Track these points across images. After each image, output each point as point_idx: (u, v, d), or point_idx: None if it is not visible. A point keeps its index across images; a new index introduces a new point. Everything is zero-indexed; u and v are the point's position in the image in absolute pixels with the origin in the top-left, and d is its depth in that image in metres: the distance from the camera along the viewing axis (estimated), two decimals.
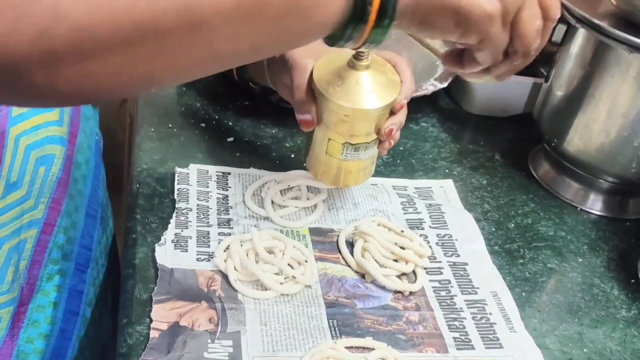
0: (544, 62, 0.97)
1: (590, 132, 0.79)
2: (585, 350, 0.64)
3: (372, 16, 0.42)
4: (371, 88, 0.62)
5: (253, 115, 0.87)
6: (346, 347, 0.59)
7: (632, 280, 0.73)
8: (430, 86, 0.90)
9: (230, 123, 0.86)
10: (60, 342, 0.64)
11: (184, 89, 0.91)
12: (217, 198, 0.73)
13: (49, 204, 0.61)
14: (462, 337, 0.62)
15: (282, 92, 0.71)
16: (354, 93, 0.62)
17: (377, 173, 0.82)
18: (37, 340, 0.61)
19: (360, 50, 0.57)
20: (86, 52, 0.33)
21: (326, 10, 0.41)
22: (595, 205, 0.83)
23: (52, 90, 0.34)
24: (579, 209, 0.83)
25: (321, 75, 0.63)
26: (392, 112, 0.64)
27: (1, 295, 0.58)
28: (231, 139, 0.83)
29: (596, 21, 0.75)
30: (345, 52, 0.61)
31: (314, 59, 0.63)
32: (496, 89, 0.96)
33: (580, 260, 0.75)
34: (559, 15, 0.51)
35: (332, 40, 0.45)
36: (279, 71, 0.67)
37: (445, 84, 0.92)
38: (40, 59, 0.32)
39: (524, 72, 0.96)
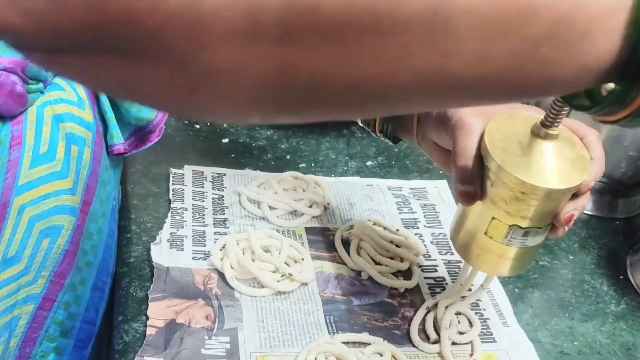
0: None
1: None
2: (575, 343, 0.65)
3: None
4: (559, 163, 0.50)
5: None
6: (343, 342, 0.59)
7: (621, 277, 0.75)
8: None
9: (224, 125, 0.86)
10: None
11: None
12: (213, 198, 0.74)
13: (51, 278, 0.56)
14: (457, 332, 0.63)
15: (433, 153, 0.60)
16: (537, 167, 0.49)
17: (372, 174, 0.83)
18: None
19: (552, 115, 0.48)
20: (296, 33, 0.25)
21: (598, 48, 0.27)
22: (586, 205, 0.85)
23: (238, 76, 0.26)
24: None
25: (495, 140, 0.51)
26: (575, 194, 0.52)
27: None
28: (226, 140, 0.84)
29: None
30: (523, 116, 0.52)
31: (482, 120, 0.52)
32: None
33: (571, 257, 0.77)
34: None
35: (590, 100, 0.31)
36: (434, 128, 0.57)
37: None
38: (236, 28, 0.25)
39: None
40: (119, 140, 0.62)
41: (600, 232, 0.82)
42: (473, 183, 0.52)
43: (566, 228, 0.53)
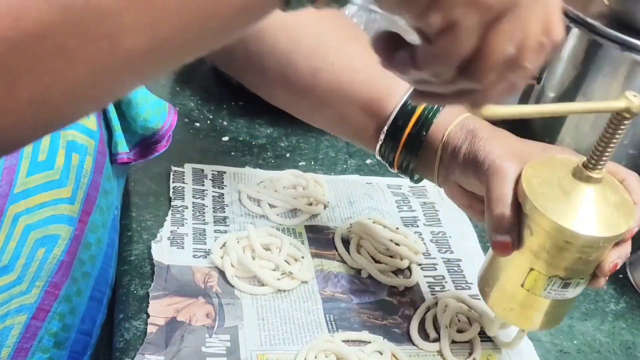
0: None
1: (581, 132, 0.81)
2: (575, 342, 0.66)
3: None
4: (604, 209, 0.47)
5: (248, 115, 0.88)
6: (343, 341, 0.59)
7: (620, 276, 0.75)
8: None
9: (224, 123, 0.86)
10: None
11: (177, 88, 0.91)
12: (213, 196, 0.74)
13: (46, 288, 0.55)
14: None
15: (456, 196, 0.57)
16: (582, 213, 0.46)
17: (372, 172, 0.83)
18: None
19: (596, 155, 0.46)
20: None
21: None
22: None
23: None
24: None
25: (534, 185, 0.47)
26: (619, 241, 0.49)
27: None
28: (226, 138, 0.84)
29: (590, 20, 0.76)
30: (560, 159, 0.49)
31: (517, 165, 0.49)
32: None
33: None
34: (559, 39, 0.37)
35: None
36: (461, 171, 0.54)
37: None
38: None
39: None
40: (123, 149, 0.61)
41: None
42: (510, 233, 0.49)
43: (607, 279, 0.51)
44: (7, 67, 0.27)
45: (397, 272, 0.69)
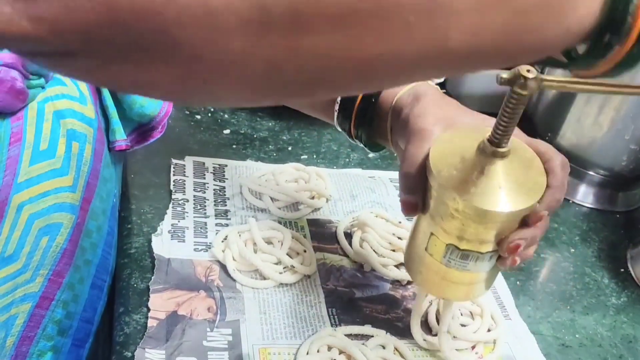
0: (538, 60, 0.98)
1: (582, 126, 0.81)
2: (577, 335, 0.66)
3: (636, 29, 0.30)
4: (503, 184, 0.46)
5: (249, 108, 0.87)
6: (345, 335, 0.59)
7: (622, 270, 0.75)
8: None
9: (226, 116, 0.86)
10: None
11: None
12: (214, 189, 0.73)
13: (49, 276, 0.56)
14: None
15: (400, 159, 0.56)
16: (475, 186, 0.46)
17: (374, 166, 0.83)
18: None
19: (499, 131, 0.45)
20: (304, 21, 0.26)
21: (580, 13, 0.30)
22: (586, 198, 0.85)
23: (250, 64, 0.27)
24: (571, 201, 0.85)
25: (441, 152, 0.48)
26: (526, 223, 0.48)
27: None
28: (227, 131, 0.83)
29: None
30: (481, 130, 0.48)
31: (441, 130, 0.50)
32: (491, 84, 0.96)
33: (572, 250, 0.77)
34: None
35: (573, 59, 0.33)
36: (399, 132, 0.55)
37: (441, 79, 0.92)
38: (248, 19, 0.26)
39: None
40: (120, 136, 0.61)
41: (601, 225, 0.82)
42: (414, 193, 0.50)
43: (517, 260, 0.49)
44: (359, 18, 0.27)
45: (400, 266, 0.68)
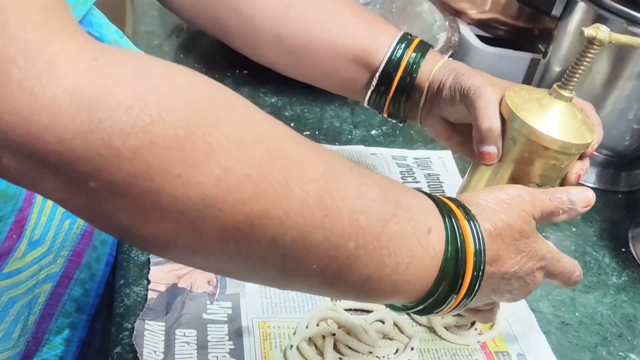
0: (542, 39, 0.98)
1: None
2: (577, 314, 0.66)
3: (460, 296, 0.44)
4: (574, 123, 0.55)
5: (252, 84, 0.87)
6: (345, 309, 0.59)
7: (623, 249, 0.75)
8: None
9: None
10: None
11: (181, 55, 0.90)
12: None
13: (69, 257, 0.58)
14: None
15: (438, 128, 0.63)
16: (558, 124, 0.54)
17: (377, 143, 0.83)
18: None
19: (570, 74, 0.54)
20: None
21: (412, 291, 0.43)
22: (589, 177, 0.84)
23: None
24: None
25: (517, 102, 0.55)
26: (581, 156, 0.56)
27: (5, 352, 0.56)
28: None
29: None
30: (532, 88, 0.58)
31: (498, 90, 0.57)
32: (494, 64, 0.96)
33: (574, 229, 0.77)
34: None
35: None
36: (447, 102, 0.60)
37: (446, 57, 0.92)
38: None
39: (522, 48, 0.97)
40: None
41: (603, 205, 0.81)
42: (496, 143, 0.55)
43: None
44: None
45: None
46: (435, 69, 0.61)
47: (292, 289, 0.41)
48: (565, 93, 0.54)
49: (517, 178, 0.56)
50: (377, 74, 0.62)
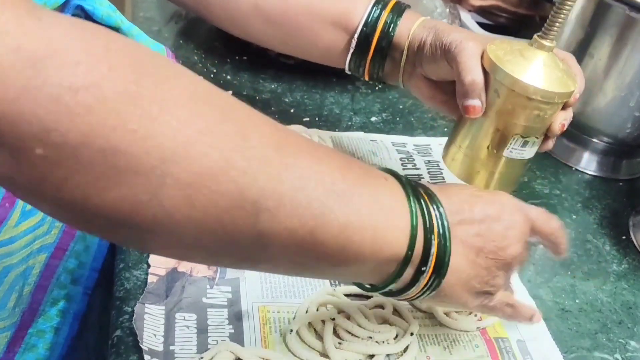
0: (542, 25, 0.97)
1: (587, 93, 0.79)
2: (577, 301, 0.66)
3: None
4: (556, 72, 0.55)
5: (251, 70, 0.87)
6: (345, 295, 0.59)
7: (623, 237, 0.75)
8: None
9: (228, 77, 0.85)
10: None
11: (181, 41, 0.90)
12: None
13: (64, 228, 0.58)
14: None
15: (421, 87, 0.63)
16: (543, 74, 0.54)
17: (377, 129, 0.82)
18: None
19: (550, 23, 0.54)
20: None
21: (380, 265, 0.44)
22: (589, 165, 0.84)
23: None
24: (573, 169, 0.84)
25: (498, 55, 0.55)
26: (564, 106, 0.57)
27: (0, 321, 0.55)
28: (229, 92, 0.82)
29: None
30: (512, 40, 0.59)
31: (479, 44, 0.57)
32: None
33: (574, 217, 0.76)
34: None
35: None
36: (429, 59, 0.60)
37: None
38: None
39: (523, 35, 0.97)
40: None
41: (603, 192, 0.81)
42: (480, 97, 0.56)
43: (553, 142, 0.59)
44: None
45: None
46: (413, 28, 0.62)
47: (266, 258, 0.40)
48: (546, 43, 0.54)
49: (501, 131, 0.56)
50: (355, 36, 0.63)
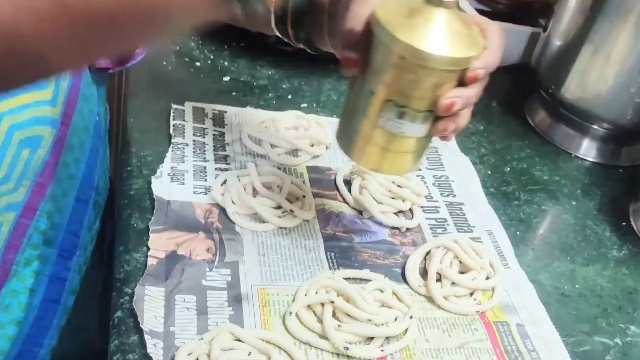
0: (542, 13, 0.97)
1: (587, 79, 0.80)
2: (577, 286, 0.65)
3: None
4: (445, 33, 0.47)
5: (249, 56, 0.86)
6: (344, 278, 0.59)
7: (623, 223, 0.75)
8: None
9: (226, 63, 0.85)
10: (36, 330, 0.60)
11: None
12: (214, 135, 0.72)
13: (32, 187, 0.57)
14: None
15: (335, 46, 0.58)
16: (421, 30, 0.46)
17: None
18: (8, 326, 0.58)
19: None
20: None
21: None
22: (589, 152, 0.84)
23: None
24: (573, 155, 0.84)
25: (387, 7, 0.49)
26: (462, 82, 0.49)
27: None
28: (227, 78, 0.82)
29: None
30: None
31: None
32: None
33: (574, 203, 0.76)
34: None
35: None
36: (333, 20, 0.56)
37: None
38: None
39: (522, 22, 0.96)
40: None
41: (604, 179, 0.81)
42: (356, 49, 0.50)
43: (451, 125, 0.50)
44: None
45: (399, 213, 0.68)
46: None
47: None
48: None
49: (375, 94, 0.49)
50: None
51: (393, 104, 0.49)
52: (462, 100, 0.49)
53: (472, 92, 0.49)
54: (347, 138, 0.54)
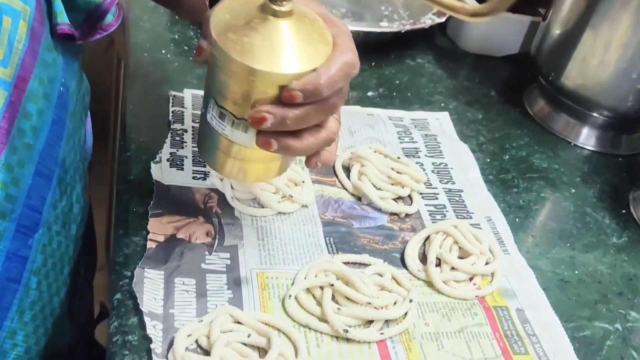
0: (542, 2, 0.96)
1: (588, 65, 0.79)
2: (576, 272, 0.65)
3: None
4: (263, 38, 0.45)
5: None
6: (343, 262, 0.59)
7: (623, 211, 0.74)
8: (428, 20, 0.90)
9: None
10: None
11: (177, 17, 0.89)
12: None
13: None
14: None
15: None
16: (235, 30, 0.45)
17: (374, 104, 0.82)
18: None
19: None
20: None
21: None
22: (588, 140, 0.84)
23: None
24: (572, 144, 0.84)
25: (228, 2, 0.48)
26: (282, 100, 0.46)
27: None
28: None
29: None
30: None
31: None
32: (492, 27, 0.95)
33: (574, 190, 0.76)
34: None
35: None
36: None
37: (443, 19, 0.91)
38: None
39: (522, 11, 0.96)
40: (63, 20, 0.57)
41: (603, 167, 0.81)
42: (207, 38, 0.48)
43: (272, 143, 0.47)
44: None
45: (398, 199, 0.68)
46: None
47: None
48: (276, 7, 0.44)
49: (206, 88, 0.49)
50: None
51: (214, 102, 0.48)
52: (274, 118, 0.46)
53: (292, 114, 0.46)
54: (199, 137, 0.53)
